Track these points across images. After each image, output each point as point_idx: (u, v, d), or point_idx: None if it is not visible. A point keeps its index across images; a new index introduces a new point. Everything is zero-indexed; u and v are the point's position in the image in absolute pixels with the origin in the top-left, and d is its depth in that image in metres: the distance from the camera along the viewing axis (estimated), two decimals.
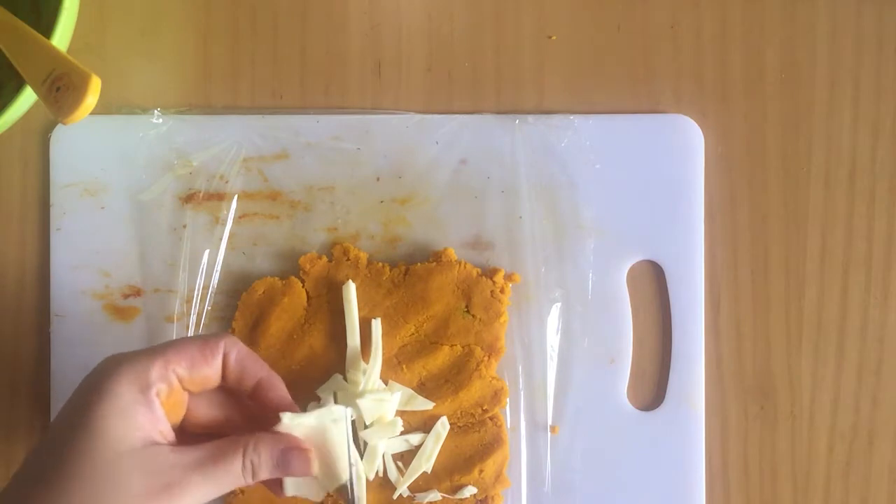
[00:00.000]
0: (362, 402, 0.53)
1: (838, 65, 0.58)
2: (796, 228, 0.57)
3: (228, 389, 0.49)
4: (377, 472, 0.54)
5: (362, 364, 0.55)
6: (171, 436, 0.46)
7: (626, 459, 0.56)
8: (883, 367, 0.57)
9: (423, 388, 0.56)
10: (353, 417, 0.52)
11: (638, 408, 0.57)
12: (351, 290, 0.55)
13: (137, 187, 0.57)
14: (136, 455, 0.43)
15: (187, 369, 0.46)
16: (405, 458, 0.55)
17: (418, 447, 0.55)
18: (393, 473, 0.55)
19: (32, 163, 0.58)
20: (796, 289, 0.57)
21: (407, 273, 0.56)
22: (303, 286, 0.56)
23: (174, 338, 0.56)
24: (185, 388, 0.47)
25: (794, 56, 0.58)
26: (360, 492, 0.53)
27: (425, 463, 0.55)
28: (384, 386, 0.55)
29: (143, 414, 0.44)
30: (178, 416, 0.47)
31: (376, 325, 0.55)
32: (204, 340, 0.47)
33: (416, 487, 0.55)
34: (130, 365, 0.45)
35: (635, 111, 0.58)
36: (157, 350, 0.46)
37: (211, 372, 0.47)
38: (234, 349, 0.48)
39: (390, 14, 0.58)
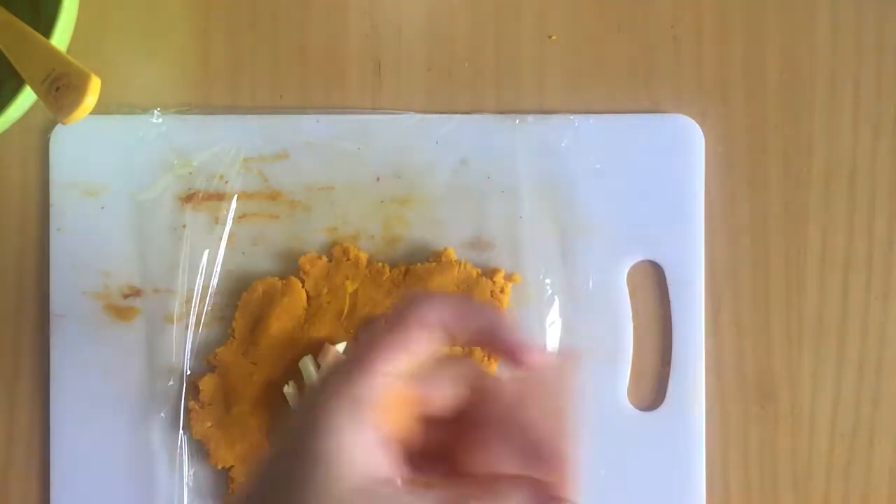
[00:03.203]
0: None
1: (838, 65, 0.58)
2: (796, 228, 0.57)
3: None
4: None
5: None
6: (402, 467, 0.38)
7: (626, 459, 0.56)
8: (883, 367, 0.57)
9: None
10: None
11: (638, 408, 0.57)
12: None
13: (137, 187, 0.57)
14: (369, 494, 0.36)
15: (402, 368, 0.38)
16: None
17: None
18: None
19: (32, 163, 0.58)
20: (796, 289, 0.57)
21: (407, 273, 0.56)
22: (303, 286, 0.56)
23: (173, 338, 0.56)
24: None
25: (794, 56, 0.58)
26: None
27: None
28: None
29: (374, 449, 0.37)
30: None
31: None
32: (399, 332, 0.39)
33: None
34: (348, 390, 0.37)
35: (635, 111, 0.58)
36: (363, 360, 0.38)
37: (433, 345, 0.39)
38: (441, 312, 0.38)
39: (390, 14, 0.58)
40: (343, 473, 0.35)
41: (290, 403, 0.55)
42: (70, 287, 0.57)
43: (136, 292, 0.57)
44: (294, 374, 0.56)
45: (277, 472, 0.37)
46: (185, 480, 0.56)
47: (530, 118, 0.57)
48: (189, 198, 0.57)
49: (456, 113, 0.57)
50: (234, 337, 0.56)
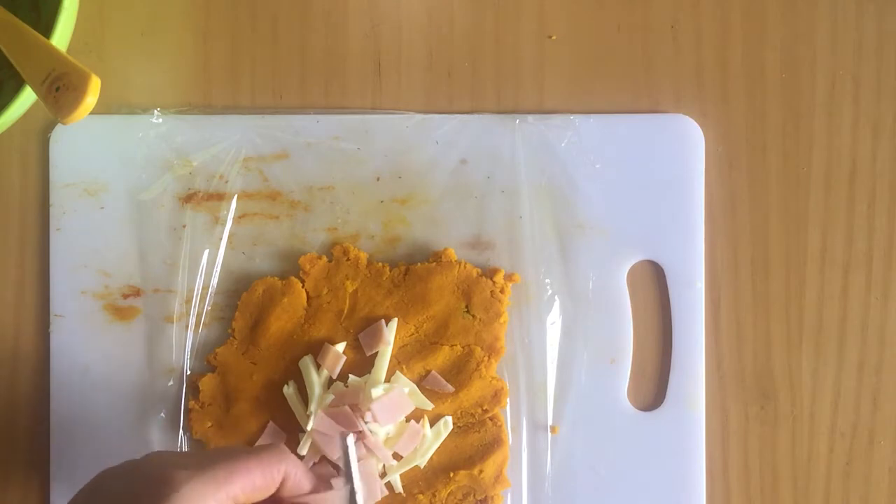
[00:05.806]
0: (375, 392, 0.53)
1: (838, 65, 0.58)
2: (796, 228, 0.57)
3: None
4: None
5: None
6: None
7: (626, 459, 0.56)
8: (883, 367, 0.57)
9: (422, 389, 0.56)
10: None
11: (638, 408, 0.57)
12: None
13: (137, 187, 0.57)
14: None
15: (247, 495, 0.45)
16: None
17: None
18: (388, 463, 0.55)
19: (32, 163, 0.58)
20: (796, 289, 0.57)
21: (407, 273, 0.56)
22: (303, 286, 0.56)
23: (173, 338, 0.56)
24: None
25: (794, 56, 0.58)
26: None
27: (420, 457, 0.55)
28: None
29: None
30: None
31: (392, 326, 0.55)
32: (267, 465, 0.46)
33: (414, 486, 0.55)
34: (192, 490, 0.43)
35: (635, 111, 0.58)
36: (219, 474, 0.44)
37: (268, 494, 0.46)
38: (294, 472, 0.47)
39: (390, 14, 0.58)
40: None
41: (290, 403, 0.55)
42: (70, 287, 0.57)
43: (136, 292, 0.57)
44: (294, 374, 0.56)
45: None
46: None
47: (530, 118, 0.57)
48: (189, 198, 0.57)
49: (456, 113, 0.57)
50: (234, 337, 0.57)
